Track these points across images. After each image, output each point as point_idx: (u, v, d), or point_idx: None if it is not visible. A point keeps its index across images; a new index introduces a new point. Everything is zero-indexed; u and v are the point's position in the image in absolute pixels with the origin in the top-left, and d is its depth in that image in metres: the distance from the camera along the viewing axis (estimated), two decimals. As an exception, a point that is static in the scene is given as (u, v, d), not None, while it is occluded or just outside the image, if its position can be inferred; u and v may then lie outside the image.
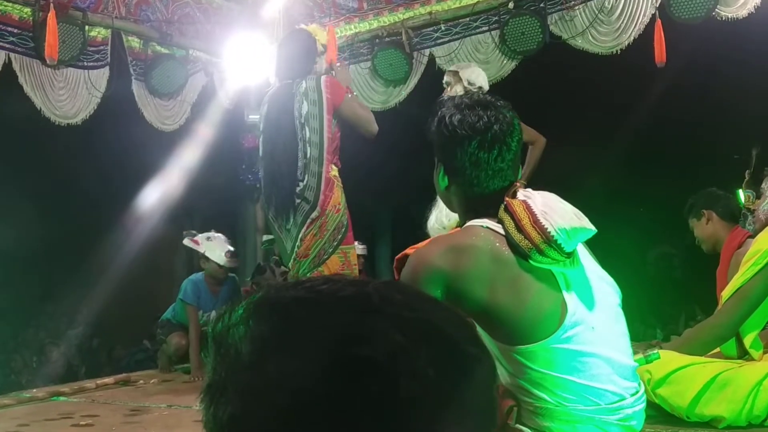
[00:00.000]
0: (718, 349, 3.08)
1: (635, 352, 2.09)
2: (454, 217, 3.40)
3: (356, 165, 4.38)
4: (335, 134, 3.88)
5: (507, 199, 1.82)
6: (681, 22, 4.99)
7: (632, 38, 5.16)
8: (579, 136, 6.74)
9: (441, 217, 3.74)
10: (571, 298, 1.76)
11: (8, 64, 5.05)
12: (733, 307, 2.98)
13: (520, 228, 1.75)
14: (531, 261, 1.75)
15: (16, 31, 5.08)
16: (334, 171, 3.87)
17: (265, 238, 6.04)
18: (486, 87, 4.23)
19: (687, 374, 2.92)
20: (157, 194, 6.45)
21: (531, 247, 1.73)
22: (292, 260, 3.88)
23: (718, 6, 4.87)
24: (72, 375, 6.79)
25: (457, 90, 4.14)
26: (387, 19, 6.06)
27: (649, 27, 5.09)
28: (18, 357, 7.24)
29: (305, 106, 3.85)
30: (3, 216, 5.90)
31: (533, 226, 1.73)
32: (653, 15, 5.07)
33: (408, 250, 1.87)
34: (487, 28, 5.71)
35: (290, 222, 3.86)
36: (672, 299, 7.49)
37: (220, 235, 5.16)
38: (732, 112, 6.07)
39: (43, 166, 6.90)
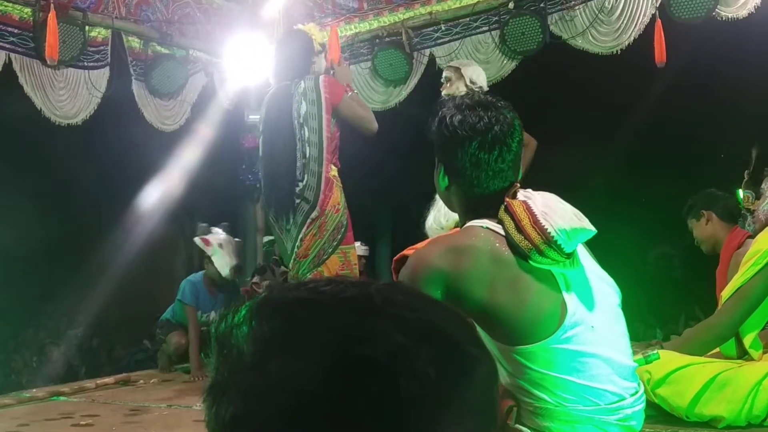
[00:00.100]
0: (717, 349, 3.09)
1: (635, 352, 2.10)
2: (453, 217, 3.40)
3: (356, 165, 4.38)
4: (334, 134, 3.88)
5: (507, 199, 1.82)
6: (681, 22, 4.99)
7: (632, 38, 5.16)
8: (579, 136, 6.74)
9: (439, 217, 3.73)
10: (570, 299, 1.76)
11: (8, 65, 5.05)
12: (732, 307, 2.98)
13: (520, 228, 1.75)
14: (531, 261, 1.75)
15: (16, 31, 5.09)
16: (334, 171, 3.87)
17: (266, 239, 6.05)
18: (485, 87, 4.23)
19: (686, 374, 2.92)
20: (157, 194, 6.45)
21: (531, 247, 1.73)
22: (292, 260, 3.88)
23: (718, 6, 4.87)
24: (72, 375, 6.79)
25: (458, 87, 4.14)
26: (387, 19, 6.07)
27: (649, 27, 5.09)
28: (18, 357, 7.24)
29: (304, 106, 3.85)
30: (3, 216, 5.90)
31: (533, 227, 1.74)
32: (653, 15, 5.07)
33: (406, 251, 1.87)
34: (487, 28, 5.71)
35: (290, 222, 3.86)
36: (672, 299, 7.49)
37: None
38: (732, 112, 6.06)
39: (43, 166, 6.90)
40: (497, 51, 5.66)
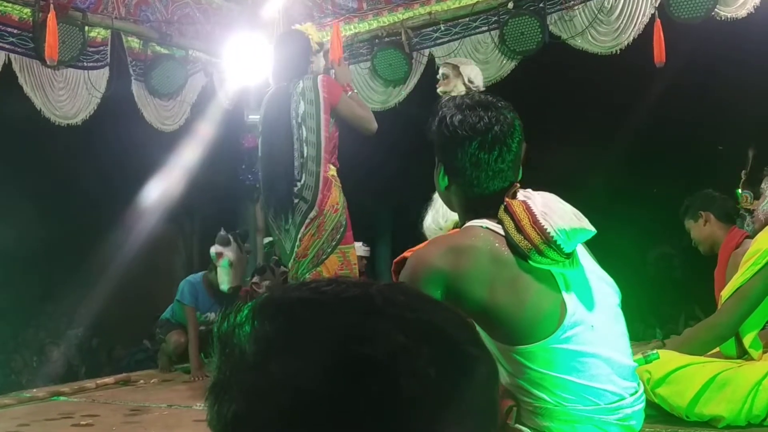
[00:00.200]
0: (717, 349, 3.09)
1: (635, 353, 2.10)
2: (451, 218, 3.40)
3: (356, 165, 4.37)
4: (333, 133, 3.87)
5: (507, 199, 1.82)
6: (680, 22, 4.99)
7: (632, 38, 5.17)
8: (578, 136, 6.73)
9: (438, 218, 3.73)
10: (570, 299, 1.76)
11: (8, 65, 5.05)
12: (732, 307, 2.98)
13: (519, 228, 1.75)
14: (530, 261, 1.75)
15: (16, 31, 5.09)
16: (332, 171, 3.86)
17: (266, 240, 6.05)
18: (482, 88, 4.22)
19: (686, 374, 2.92)
20: (156, 195, 6.45)
21: (530, 247, 1.73)
22: (291, 260, 3.88)
23: (717, 6, 4.87)
24: (72, 375, 6.79)
25: (456, 85, 4.13)
26: (386, 19, 6.07)
27: (649, 27, 5.09)
28: (18, 357, 7.24)
29: (302, 105, 3.84)
30: (3, 216, 5.90)
31: (533, 227, 1.74)
32: (653, 15, 5.08)
33: (406, 253, 1.87)
34: (486, 28, 5.71)
35: (289, 222, 3.85)
36: (672, 299, 7.48)
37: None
38: (731, 112, 6.06)
39: (43, 166, 6.89)
40: (496, 51, 5.66)
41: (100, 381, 4.80)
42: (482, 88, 4.18)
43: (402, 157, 6.20)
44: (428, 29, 5.91)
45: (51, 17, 5.03)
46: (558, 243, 1.72)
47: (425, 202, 3.80)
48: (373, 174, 6.70)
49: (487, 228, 1.81)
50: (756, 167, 3.84)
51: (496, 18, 5.64)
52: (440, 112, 1.88)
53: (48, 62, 5.12)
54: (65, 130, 5.47)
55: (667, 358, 2.94)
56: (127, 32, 5.73)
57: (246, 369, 0.58)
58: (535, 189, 1.89)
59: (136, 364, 6.74)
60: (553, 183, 2.01)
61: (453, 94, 3.92)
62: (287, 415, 0.55)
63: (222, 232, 5.00)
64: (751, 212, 3.69)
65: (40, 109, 5.26)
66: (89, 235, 7.20)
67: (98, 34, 5.58)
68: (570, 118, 6.82)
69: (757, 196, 3.45)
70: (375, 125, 3.93)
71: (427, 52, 5.94)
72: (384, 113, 5.75)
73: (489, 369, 0.62)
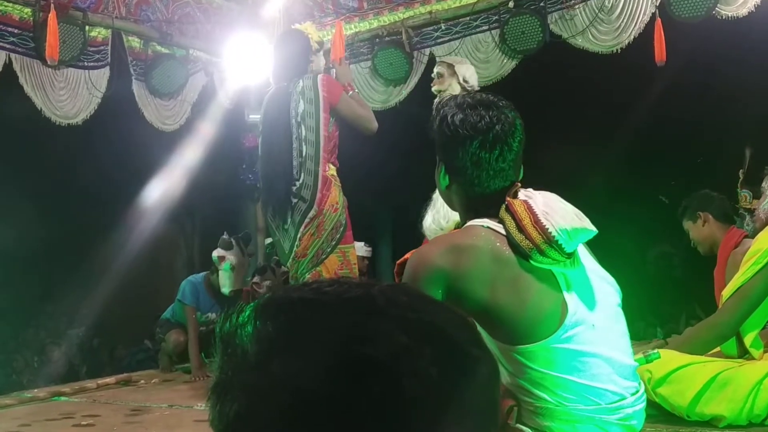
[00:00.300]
0: (718, 349, 3.09)
1: (636, 352, 2.10)
2: (452, 218, 3.40)
3: (356, 165, 4.37)
4: (333, 133, 3.86)
5: (508, 198, 1.82)
6: (681, 21, 4.99)
7: (632, 37, 5.16)
8: (579, 135, 6.73)
9: (438, 218, 3.72)
10: (571, 298, 1.76)
11: (9, 65, 5.05)
12: (733, 306, 2.98)
13: (521, 228, 1.75)
14: (532, 261, 1.75)
15: (16, 31, 5.09)
16: (332, 170, 3.85)
17: (267, 241, 6.05)
18: (477, 87, 4.21)
19: (687, 373, 2.92)
20: (157, 194, 6.45)
21: (532, 247, 1.73)
22: (290, 260, 3.87)
23: (718, 5, 4.87)
24: (73, 375, 6.79)
25: (451, 84, 4.12)
26: (387, 18, 6.07)
27: (649, 26, 5.09)
28: (19, 357, 7.24)
29: (302, 104, 3.84)
30: (3, 216, 5.90)
31: (534, 226, 1.74)
32: (653, 14, 5.08)
33: (408, 255, 1.87)
34: (487, 27, 5.71)
35: (288, 222, 3.85)
36: (672, 298, 7.48)
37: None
38: (732, 111, 6.06)
39: (43, 165, 6.89)
40: (497, 50, 5.66)
41: (101, 381, 4.80)
42: (477, 88, 4.17)
43: (402, 157, 6.20)
44: (429, 28, 5.91)
45: (51, 17, 5.04)
46: (559, 243, 1.72)
47: (425, 201, 3.80)
48: (373, 174, 6.69)
49: (488, 227, 1.81)
50: (754, 166, 3.84)
51: (496, 17, 5.64)
52: (441, 111, 1.88)
53: (48, 62, 5.13)
54: (66, 130, 5.47)
55: (668, 358, 2.94)
56: (128, 32, 5.73)
57: (248, 369, 0.58)
58: (535, 188, 1.89)
59: (137, 364, 6.74)
60: (553, 182, 2.01)
61: (448, 93, 3.92)
62: (289, 415, 0.55)
63: (224, 236, 5.00)
64: (750, 212, 3.69)
65: (41, 109, 5.26)
66: (89, 235, 7.20)
67: (99, 33, 5.58)
68: (570, 118, 6.81)
69: (757, 195, 3.45)
70: (375, 125, 3.93)
71: (427, 51, 5.94)
72: (384, 113, 5.75)
73: (490, 369, 0.62)
